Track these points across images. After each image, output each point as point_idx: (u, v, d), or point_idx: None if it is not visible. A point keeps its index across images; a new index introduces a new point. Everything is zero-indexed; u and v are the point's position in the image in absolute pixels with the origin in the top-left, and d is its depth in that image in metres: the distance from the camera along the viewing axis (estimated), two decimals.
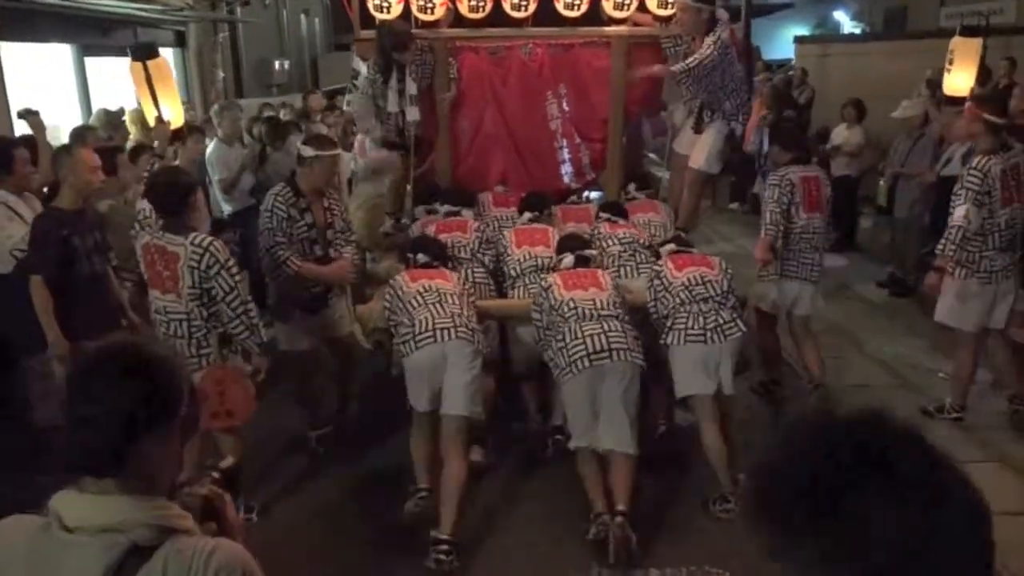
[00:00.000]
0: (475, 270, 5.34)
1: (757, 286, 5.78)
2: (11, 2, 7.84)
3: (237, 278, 4.26)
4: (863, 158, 9.38)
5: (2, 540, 1.64)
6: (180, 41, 12.41)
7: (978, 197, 5.09)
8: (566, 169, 6.72)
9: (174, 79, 5.95)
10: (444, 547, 4.13)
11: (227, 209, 7.61)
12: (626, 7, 6.34)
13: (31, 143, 5.32)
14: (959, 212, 5.11)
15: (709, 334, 4.49)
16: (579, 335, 4.33)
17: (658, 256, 5.13)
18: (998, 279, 5.26)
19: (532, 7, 6.25)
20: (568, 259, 4.94)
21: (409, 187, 6.61)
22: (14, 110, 5.99)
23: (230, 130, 7.68)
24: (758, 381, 6.09)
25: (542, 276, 4.98)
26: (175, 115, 5.73)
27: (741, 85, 6.18)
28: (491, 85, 6.56)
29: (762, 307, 5.83)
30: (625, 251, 5.40)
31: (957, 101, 6.72)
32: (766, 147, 7.68)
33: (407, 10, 6.23)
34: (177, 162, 6.07)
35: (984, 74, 8.36)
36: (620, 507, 4.25)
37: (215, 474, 2.09)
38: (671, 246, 5.11)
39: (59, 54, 9.58)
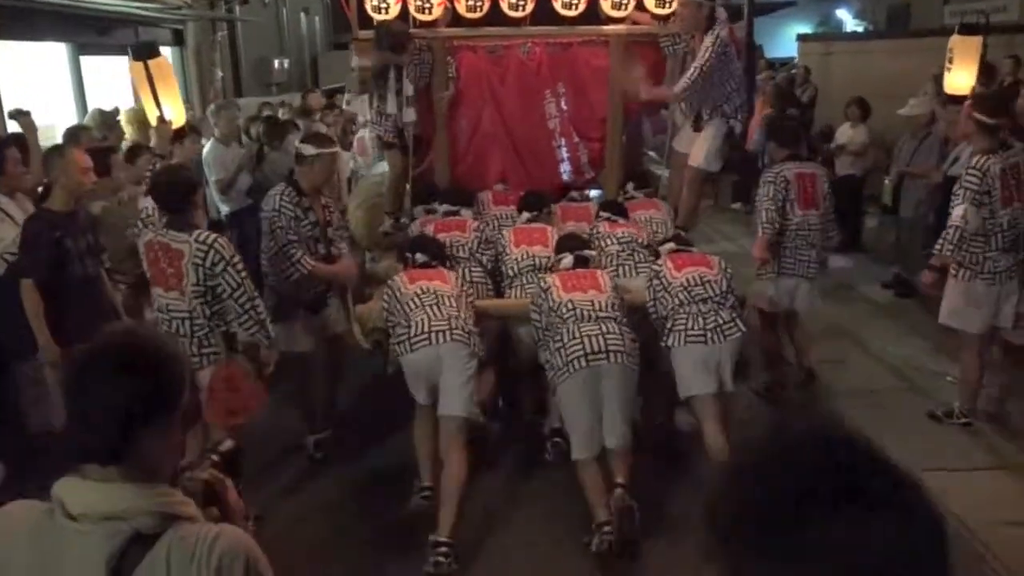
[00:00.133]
0: (473, 269, 5.34)
1: (755, 285, 5.74)
2: (5, 0, 7.74)
3: (243, 274, 4.24)
4: (867, 157, 9.28)
5: (6, 526, 1.64)
6: (178, 40, 12.33)
7: (977, 197, 5.04)
8: (565, 168, 6.72)
9: (175, 79, 5.85)
10: (443, 549, 4.10)
11: (224, 210, 7.52)
12: (624, 6, 6.33)
13: (22, 143, 5.23)
14: (957, 212, 5.07)
15: (709, 335, 4.47)
16: (577, 335, 4.32)
17: (657, 255, 5.11)
18: (1002, 280, 5.19)
19: (530, 7, 6.25)
20: (567, 259, 4.92)
21: (408, 186, 6.60)
22: (7, 110, 5.90)
23: (227, 130, 7.59)
24: (762, 383, 6.04)
25: (540, 276, 4.95)
26: (177, 115, 5.67)
27: (740, 84, 6.16)
28: (489, 84, 6.56)
29: (761, 306, 5.80)
30: (623, 251, 5.39)
31: (958, 100, 6.69)
32: None
33: (405, 10, 6.23)
34: (173, 162, 6.00)
35: (989, 73, 8.29)
36: (619, 480, 4.26)
37: (215, 457, 2.10)
38: (671, 245, 5.09)
39: (54, 53, 9.50)
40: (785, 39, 21.17)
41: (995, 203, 5.07)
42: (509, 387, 5.56)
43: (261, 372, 4.49)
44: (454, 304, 4.51)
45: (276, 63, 17.13)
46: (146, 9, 10.14)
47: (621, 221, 5.72)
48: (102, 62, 10.15)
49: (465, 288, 4.86)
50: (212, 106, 8.08)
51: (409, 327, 4.40)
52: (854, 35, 19.48)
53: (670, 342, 4.56)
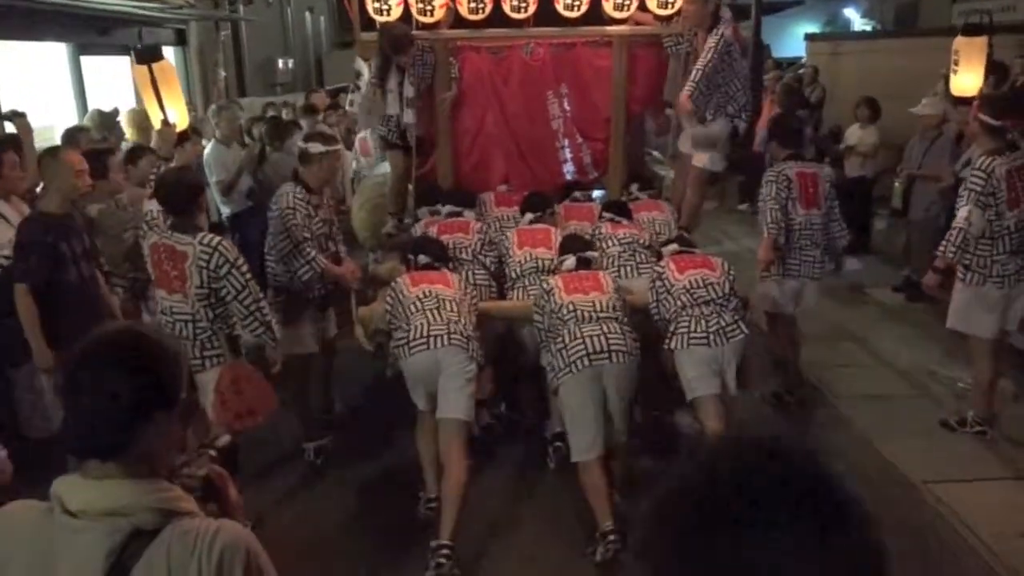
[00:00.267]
0: (476, 272, 5.33)
1: (760, 286, 5.69)
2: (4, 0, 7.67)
3: (248, 276, 4.22)
4: (877, 159, 9.16)
5: (6, 525, 1.64)
6: (181, 40, 12.25)
7: (981, 198, 4.97)
8: (568, 168, 6.72)
9: (179, 82, 5.79)
10: (444, 552, 4.07)
11: (225, 211, 7.45)
12: (626, 7, 6.34)
13: (17, 145, 5.14)
14: (961, 213, 5.02)
15: (712, 337, 4.45)
16: (578, 336, 4.33)
17: (660, 257, 5.09)
18: (1011, 283, 5.11)
19: (532, 8, 6.25)
20: (570, 261, 4.91)
21: (411, 187, 6.59)
22: (6, 110, 5.82)
23: (228, 131, 7.53)
24: (771, 392, 5.97)
25: (543, 278, 4.96)
26: (180, 118, 5.63)
27: (745, 84, 6.13)
28: (492, 85, 6.56)
29: (766, 308, 5.76)
30: (625, 252, 5.38)
31: (965, 101, 6.63)
32: None
33: (407, 12, 6.23)
34: (174, 164, 5.92)
35: (1001, 73, 8.17)
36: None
37: (212, 453, 2.08)
38: (673, 247, 5.06)
39: (54, 53, 9.42)
40: (792, 38, 21.05)
41: (1001, 205, 5.00)
42: (511, 390, 5.54)
43: (267, 373, 4.47)
44: (455, 308, 4.50)
45: (280, 63, 17.09)
46: (148, 9, 10.05)
47: (624, 222, 5.70)
48: (103, 62, 10.08)
49: (468, 291, 4.86)
50: (213, 107, 8.01)
51: (408, 331, 4.40)
52: (863, 34, 19.33)
53: (673, 345, 4.54)
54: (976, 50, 6.72)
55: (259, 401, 4.29)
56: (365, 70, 6.35)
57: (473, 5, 6.23)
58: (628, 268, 5.30)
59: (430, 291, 4.55)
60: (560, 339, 4.41)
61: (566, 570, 4.24)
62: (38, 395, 4.85)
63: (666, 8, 6.32)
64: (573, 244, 5.07)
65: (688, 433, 5.11)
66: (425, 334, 4.34)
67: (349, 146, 8.86)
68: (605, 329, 4.35)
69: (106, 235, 5.29)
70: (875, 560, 0.94)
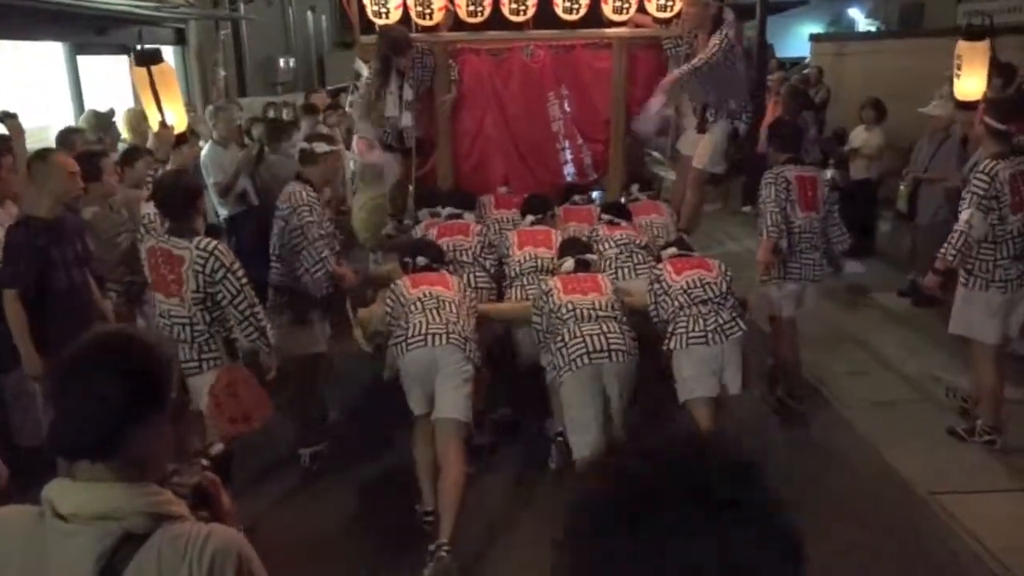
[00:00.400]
0: (477, 274, 5.33)
1: (759, 289, 5.68)
2: None
3: (244, 280, 4.21)
4: (882, 161, 9.06)
5: (0, 530, 1.64)
6: (180, 39, 12.15)
7: (983, 202, 4.94)
8: (568, 170, 6.75)
9: (178, 84, 5.75)
10: (445, 549, 4.06)
11: (222, 213, 7.35)
12: (625, 10, 6.38)
13: (8, 147, 5.06)
14: (963, 216, 5.00)
15: (710, 335, 4.47)
16: (578, 335, 4.36)
17: (659, 259, 5.12)
18: (1014, 287, 5.08)
19: (531, 11, 6.30)
20: (568, 263, 4.94)
21: (411, 188, 6.62)
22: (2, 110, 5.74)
23: (226, 131, 7.45)
24: (776, 398, 5.90)
25: (542, 278, 5.01)
26: (178, 120, 5.59)
27: (745, 85, 6.25)
28: (492, 87, 6.59)
29: (767, 312, 5.76)
30: (622, 254, 5.40)
31: (968, 106, 6.59)
32: None
33: (406, 15, 6.26)
34: (169, 166, 5.84)
35: (1007, 75, 8.06)
36: None
37: (205, 461, 2.08)
38: (672, 250, 5.08)
39: (50, 52, 9.32)
40: (796, 38, 20.98)
41: (1005, 209, 4.96)
42: (511, 390, 5.52)
43: (263, 379, 4.45)
44: (454, 310, 4.51)
45: (282, 62, 17.00)
46: (146, 8, 9.96)
47: (623, 223, 5.71)
48: (100, 62, 9.99)
49: (468, 293, 4.86)
50: (210, 108, 7.92)
51: (407, 328, 4.41)
52: (867, 35, 19.23)
53: (672, 345, 4.56)
54: (979, 54, 6.64)
55: (254, 406, 4.27)
56: (364, 71, 6.33)
57: (472, 8, 6.25)
58: (626, 270, 5.32)
59: (430, 292, 4.57)
60: (560, 338, 4.43)
61: None
62: (28, 402, 4.78)
63: (665, 11, 6.35)
64: (572, 246, 5.11)
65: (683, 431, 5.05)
66: (423, 332, 4.34)
67: (349, 146, 8.79)
68: (605, 328, 4.38)
69: (99, 239, 5.20)
70: (784, 545, 0.92)
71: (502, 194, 6.49)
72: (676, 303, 4.63)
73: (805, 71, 13.07)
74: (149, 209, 4.91)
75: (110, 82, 10.01)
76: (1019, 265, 5.06)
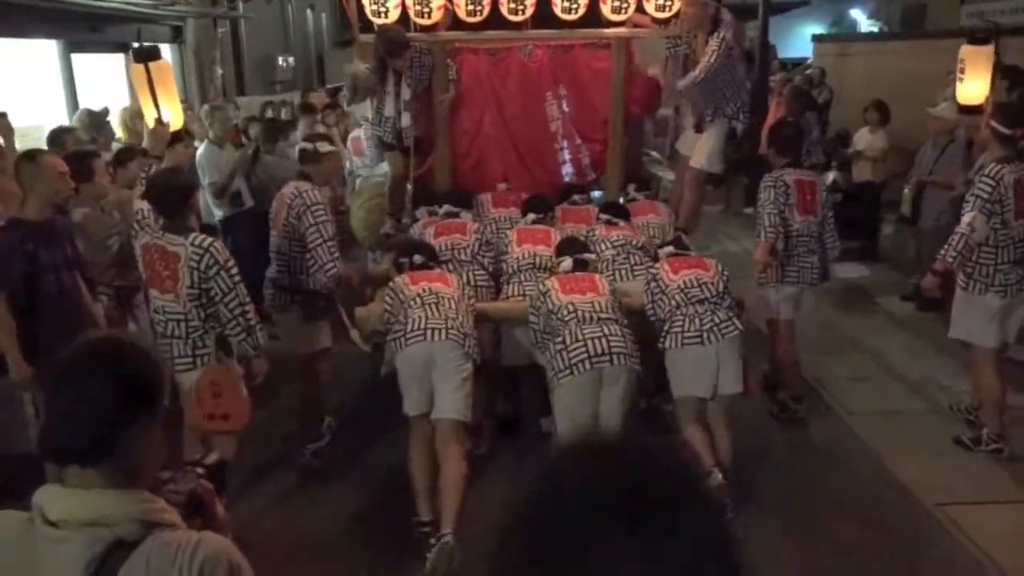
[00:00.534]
0: (476, 273, 5.33)
1: (758, 292, 5.65)
2: None
3: (237, 279, 4.22)
4: (887, 164, 8.96)
5: None
6: (177, 37, 12.03)
7: (987, 206, 4.93)
8: (566, 170, 6.77)
9: (175, 82, 5.69)
10: (447, 535, 4.06)
11: (217, 214, 7.27)
12: (624, 10, 6.36)
13: None
14: (965, 219, 4.99)
15: (705, 335, 4.47)
16: (580, 338, 4.32)
17: (656, 259, 5.12)
18: (1013, 292, 5.06)
19: (529, 10, 6.28)
20: (566, 263, 4.93)
21: (410, 187, 6.62)
22: None
23: (221, 131, 7.38)
24: (776, 402, 5.84)
25: (539, 276, 5.02)
26: (175, 117, 5.52)
27: (743, 86, 6.22)
28: (491, 86, 6.60)
29: (765, 315, 5.74)
30: (619, 254, 5.40)
31: (971, 110, 6.51)
32: None
33: (404, 14, 6.25)
34: (163, 164, 5.76)
35: (1014, 78, 7.97)
36: None
37: (200, 470, 2.09)
38: (669, 249, 5.08)
39: (44, 50, 9.21)
40: (798, 39, 20.93)
41: (1008, 214, 4.96)
42: (509, 387, 5.52)
43: (251, 380, 4.44)
44: (453, 306, 4.50)
45: (281, 61, 16.89)
46: (142, 5, 9.85)
47: (621, 224, 5.70)
48: (94, 60, 9.88)
49: (467, 291, 4.87)
50: (206, 107, 7.83)
51: (406, 323, 4.40)
52: (871, 36, 19.15)
53: (668, 344, 4.57)
54: (982, 58, 6.57)
55: (234, 409, 4.27)
56: (361, 68, 6.32)
57: (471, 7, 6.24)
58: (623, 271, 5.32)
59: (429, 288, 4.57)
60: (560, 339, 4.39)
61: None
62: (16, 409, 4.67)
63: (664, 11, 6.34)
64: (570, 246, 5.10)
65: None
66: (422, 327, 4.33)
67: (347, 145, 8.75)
68: (606, 331, 4.34)
69: (90, 241, 5.10)
70: (721, 550, 0.91)
71: (500, 193, 6.49)
72: (673, 302, 4.64)
73: (808, 72, 12.98)
74: (143, 205, 4.81)
75: (105, 80, 9.91)
76: (1019, 270, 5.06)
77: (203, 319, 4.23)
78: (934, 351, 6.74)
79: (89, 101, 8.56)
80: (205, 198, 7.10)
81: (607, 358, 4.26)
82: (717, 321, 4.50)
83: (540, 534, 0.91)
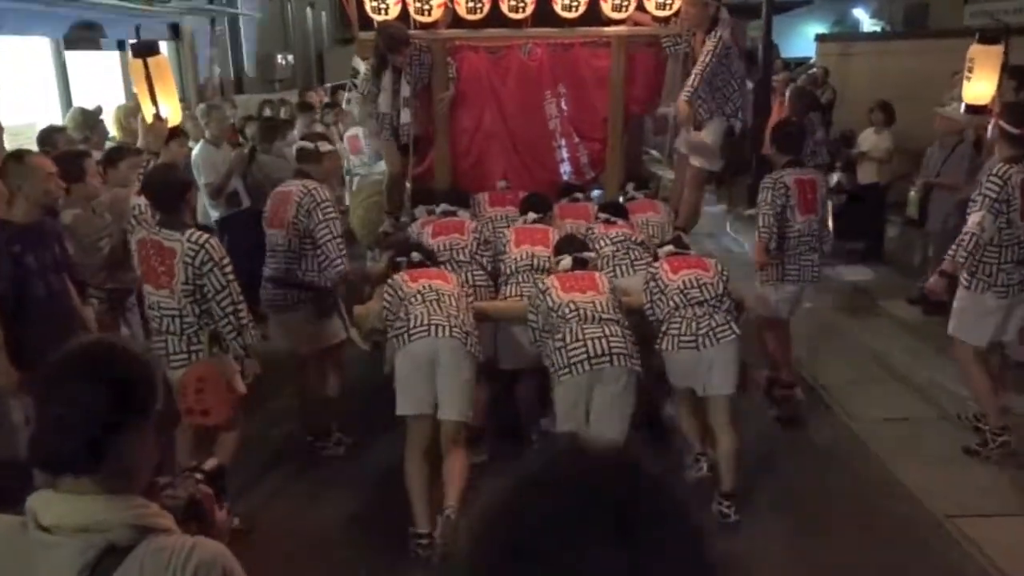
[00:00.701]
0: (475, 272, 5.33)
1: (757, 290, 5.65)
2: None
3: (230, 277, 4.23)
4: (892, 165, 8.85)
5: None
6: (174, 34, 11.92)
7: (995, 205, 4.95)
8: (565, 168, 6.77)
9: (173, 78, 5.65)
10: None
11: (213, 215, 7.17)
12: (624, 8, 6.37)
13: None
14: (974, 219, 4.99)
15: (701, 339, 4.47)
16: (580, 337, 4.30)
17: (656, 258, 5.12)
18: (1014, 292, 5.08)
19: (530, 8, 6.29)
20: (566, 261, 4.92)
21: (408, 185, 6.63)
22: None
23: (218, 131, 7.28)
24: (776, 403, 5.85)
25: (538, 277, 5.01)
26: (172, 113, 5.49)
27: (742, 84, 6.28)
28: (490, 85, 6.59)
29: (762, 312, 5.72)
30: (618, 251, 5.40)
31: (977, 109, 6.55)
32: None
33: (405, 11, 6.25)
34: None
35: (1022, 78, 7.87)
36: None
37: (198, 475, 2.09)
38: (668, 248, 5.08)
39: (38, 47, 9.10)
40: (800, 38, 20.81)
41: (1014, 214, 4.98)
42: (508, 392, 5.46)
43: (238, 379, 4.45)
44: (454, 303, 4.49)
45: (280, 59, 16.80)
46: (138, 2, 9.74)
47: (620, 222, 5.70)
48: (89, 57, 9.76)
49: (466, 290, 4.87)
50: (202, 106, 7.72)
51: (408, 320, 4.37)
52: (874, 35, 19.04)
53: (664, 346, 4.60)
54: (991, 58, 6.52)
55: (216, 406, 4.30)
56: (362, 68, 6.35)
57: (471, 5, 6.24)
58: (623, 267, 5.32)
59: (430, 285, 4.56)
60: (560, 337, 4.37)
61: None
62: (3, 415, 4.56)
63: (664, 8, 6.37)
64: (569, 245, 5.07)
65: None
66: (426, 323, 4.31)
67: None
68: (607, 331, 4.32)
69: (81, 243, 4.99)
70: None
71: (497, 191, 6.48)
72: (672, 303, 4.63)
73: (811, 71, 12.86)
74: (139, 201, 4.79)
75: (100, 78, 9.80)
76: (1021, 270, 5.07)
77: (198, 315, 4.24)
78: (941, 356, 6.53)
79: (84, 99, 8.44)
80: (201, 199, 7.01)
81: (607, 359, 4.23)
82: (714, 325, 4.49)
83: (513, 540, 0.92)
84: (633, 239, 5.48)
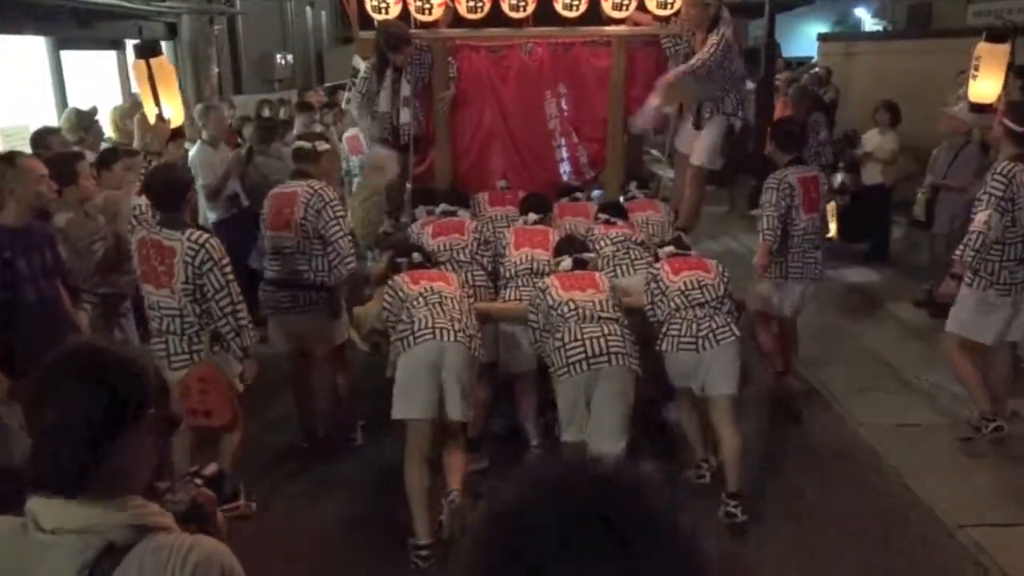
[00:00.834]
0: (475, 273, 5.32)
1: (758, 286, 5.61)
2: None
3: (229, 277, 4.25)
4: (897, 166, 8.75)
5: None
6: (171, 34, 11.82)
7: (1001, 203, 4.94)
8: (564, 168, 6.75)
9: (176, 78, 5.65)
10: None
11: (211, 217, 7.07)
12: (625, 7, 6.33)
13: None
14: (980, 217, 4.97)
15: (700, 341, 4.46)
16: (578, 336, 4.30)
17: (656, 258, 5.10)
18: (1018, 291, 5.08)
19: (531, 7, 6.25)
20: (566, 262, 4.91)
21: (409, 185, 6.61)
22: None
23: (215, 131, 7.19)
24: (783, 401, 5.85)
25: (536, 281, 4.95)
26: (175, 114, 5.46)
27: (742, 82, 6.32)
28: (491, 84, 6.56)
29: (760, 308, 5.69)
30: (618, 251, 5.39)
31: (982, 108, 6.49)
32: None
33: (405, 10, 6.21)
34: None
35: None
36: None
37: (198, 481, 2.07)
38: (669, 248, 5.05)
39: (32, 47, 9.00)
40: (801, 38, 20.78)
41: (1019, 212, 4.96)
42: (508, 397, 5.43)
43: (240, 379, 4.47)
44: (457, 306, 4.48)
45: (279, 58, 16.69)
46: (135, 1, 9.64)
47: (620, 223, 5.69)
48: (85, 57, 9.66)
49: (467, 291, 4.87)
50: (199, 106, 7.61)
51: (412, 323, 4.34)
52: (877, 35, 18.96)
53: (664, 347, 4.59)
54: (998, 57, 6.45)
55: (219, 407, 4.32)
56: (362, 67, 6.31)
57: (472, 4, 6.20)
58: (623, 266, 5.31)
59: (431, 287, 4.54)
60: (559, 336, 4.37)
61: None
62: None
63: (665, 8, 6.31)
64: (569, 245, 5.07)
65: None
66: (430, 326, 4.29)
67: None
68: (606, 331, 4.32)
69: (73, 247, 4.89)
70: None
71: (497, 191, 6.46)
72: (673, 304, 4.62)
73: (814, 70, 12.79)
74: (140, 201, 4.81)
75: (96, 78, 9.70)
76: None
77: (198, 315, 4.25)
78: (949, 360, 6.51)
79: (79, 100, 8.34)
80: (198, 200, 6.91)
81: (605, 358, 4.23)
82: (714, 327, 4.47)
83: (503, 555, 0.91)
84: (633, 239, 5.47)
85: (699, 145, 6.27)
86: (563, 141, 6.66)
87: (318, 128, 8.67)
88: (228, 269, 4.24)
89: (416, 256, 4.93)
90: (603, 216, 5.76)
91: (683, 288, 4.63)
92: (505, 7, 6.21)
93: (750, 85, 9.89)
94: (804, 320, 6.04)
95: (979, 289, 5.11)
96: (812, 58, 15.23)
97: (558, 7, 6.25)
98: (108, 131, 7.33)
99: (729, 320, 4.56)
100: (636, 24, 6.45)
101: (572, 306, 4.44)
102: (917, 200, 7.71)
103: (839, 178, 8.79)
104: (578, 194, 6.44)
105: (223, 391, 4.33)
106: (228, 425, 4.44)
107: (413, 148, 6.41)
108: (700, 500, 4.51)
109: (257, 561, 1.73)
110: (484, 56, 6.52)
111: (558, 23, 6.38)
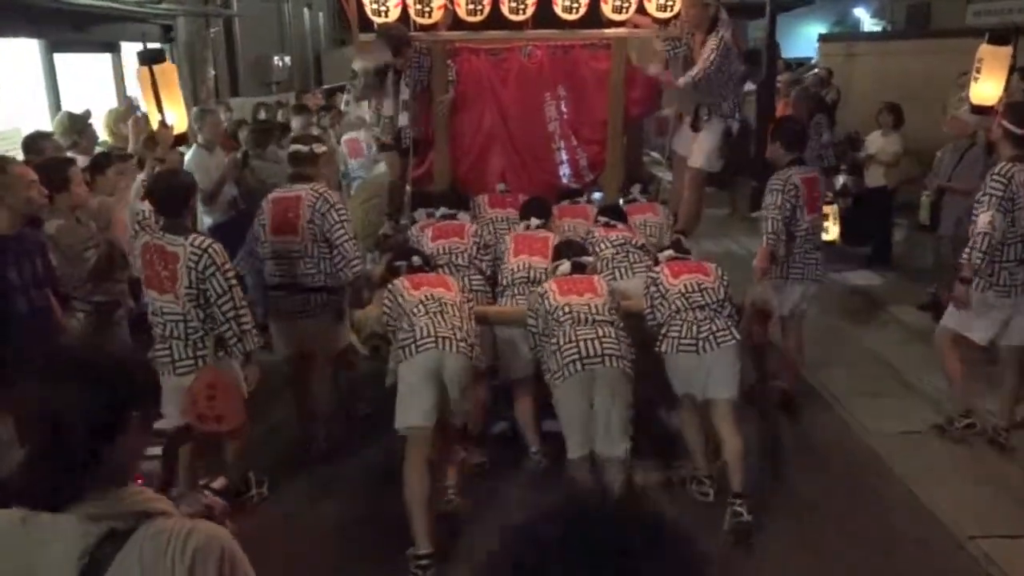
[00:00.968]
0: (473, 277, 5.31)
1: (758, 286, 5.53)
2: None
3: (232, 282, 4.26)
4: (900, 168, 8.68)
5: None
6: (167, 36, 11.74)
7: (1002, 204, 4.97)
8: (564, 171, 6.74)
9: (178, 84, 5.66)
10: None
11: (207, 221, 6.98)
12: (625, 10, 6.31)
13: None
14: (984, 219, 4.97)
15: (701, 343, 4.47)
16: (572, 339, 4.33)
17: (656, 262, 5.11)
18: (1017, 292, 5.09)
19: (530, 10, 6.23)
20: (565, 266, 4.92)
21: (408, 188, 6.59)
22: None
23: (211, 135, 7.12)
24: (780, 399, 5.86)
25: (533, 290, 4.94)
26: (178, 120, 5.48)
27: (739, 84, 6.34)
28: (490, 87, 6.55)
29: (761, 307, 5.57)
30: (618, 253, 5.40)
31: (983, 110, 6.45)
32: None
33: (405, 13, 6.19)
34: (143, 174, 5.51)
35: None
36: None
37: (208, 492, 2.03)
38: (669, 252, 5.06)
39: (25, 49, 8.93)
40: (800, 38, 20.74)
41: (1018, 212, 5.00)
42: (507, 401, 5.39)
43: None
44: (457, 313, 4.47)
45: (276, 60, 16.63)
46: (130, 3, 9.56)
47: (620, 226, 5.70)
48: (78, 60, 9.58)
49: (467, 296, 4.83)
50: (195, 109, 7.53)
51: (413, 331, 4.33)
52: (877, 35, 18.91)
53: (663, 348, 4.59)
54: (1000, 59, 6.42)
55: (228, 412, 4.28)
56: (360, 67, 6.23)
57: (471, 6, 6.18)
58: (622, 269, 5.32)
59: (432, 294, 4.51)
60: (555, 340, 4.41)
61: None
62: None
63: (664, 11, 6.28)
64: (568, 249, 5.08)
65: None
66: (432, 334, 4.28)
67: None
68: (600, 333, 4.34)
69: (65, 254, 4.81)
70: None
71: (497, 194, 6.44)
72: (672, 307, 4.62)
73: (815, 71, 12.72)
74: (143, 206, 4.86)
75: (89, 81, 9.62)
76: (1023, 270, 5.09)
77: (202, 320, 4.25)
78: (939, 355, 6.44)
79: (73, 103, 8.26)
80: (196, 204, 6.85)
81: (599, 360, 4.25)
82: (715, 330, 4.47)
83: None
84: (633, 242, 5.47)
85: (697, 148, 6.27)
86: (562, 144, 6.64)
87: (315, 131, 8.60)
88: (231, 274, 4.26)
89: (415, 259, 4.90)
90: (603, 219, 5.75)
91: (683, 291, 4.63)
92: (505, 9, 6.19)
93: (750, 87, 9.85)
94: (806, 322, 5.98)
95: (979, 290, 5.11)
96: (811, 59, 15.19)
97: (558, 9, 6.24)
98: (102, 135, 7.25)
99: (729, 323, 4.56)
100: (636, 27, 6.43)
101: (568, 310, 4.46)
102: (921, 203, 7.65)
103: (841, 180, 8.73)
104: (578, 198, 6.42)
105: (233, 395, 4.32)
106: (238, 430, 4.42)
107: (412, 151, 6.40)
108: (704, 510, 4.48)
109: (257, 561, 1.71)
110: (483, 59, 6.51)
111: (558, 26, 6.37)
